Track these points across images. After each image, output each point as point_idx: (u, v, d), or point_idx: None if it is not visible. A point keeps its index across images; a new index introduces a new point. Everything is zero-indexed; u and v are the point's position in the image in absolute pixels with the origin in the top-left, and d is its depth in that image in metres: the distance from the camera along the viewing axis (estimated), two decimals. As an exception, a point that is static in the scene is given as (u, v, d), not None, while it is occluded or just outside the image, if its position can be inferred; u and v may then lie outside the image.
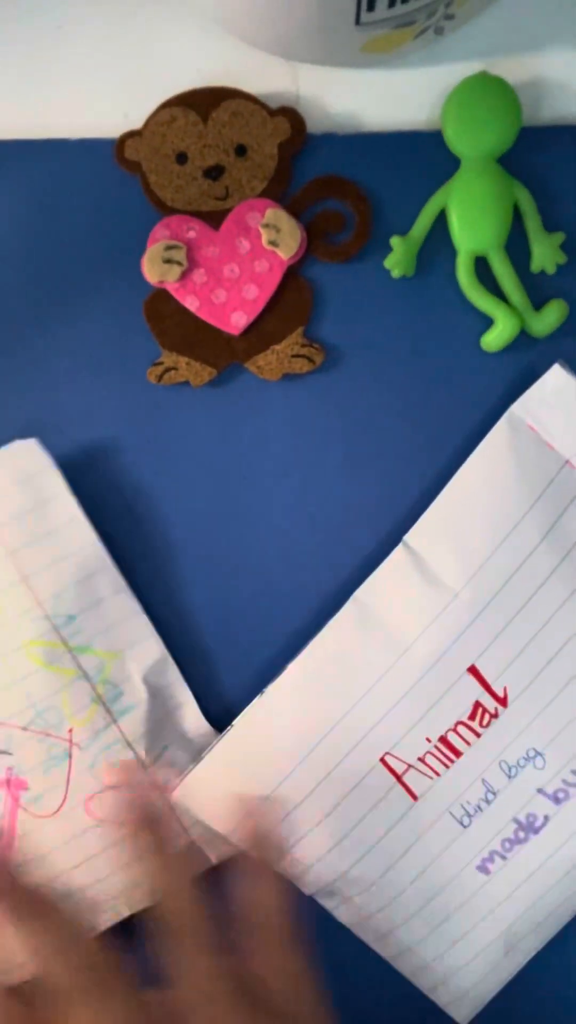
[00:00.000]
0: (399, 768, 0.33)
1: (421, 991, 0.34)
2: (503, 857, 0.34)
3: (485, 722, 0.33)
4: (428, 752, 0.33)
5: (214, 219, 0.34)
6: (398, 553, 0.33)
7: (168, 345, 0.35)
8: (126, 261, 0.34)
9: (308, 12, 0.31)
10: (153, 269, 0.34)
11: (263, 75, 0.34)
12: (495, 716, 0.33)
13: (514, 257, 0.34)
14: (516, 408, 0.33)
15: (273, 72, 0.35)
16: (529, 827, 0.34)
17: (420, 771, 0.33)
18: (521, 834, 0.34)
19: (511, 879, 0.34)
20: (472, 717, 0.33)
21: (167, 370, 0.35)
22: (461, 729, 0.33)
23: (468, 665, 0.33)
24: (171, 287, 0.34)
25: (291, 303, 0.35)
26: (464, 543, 0.33)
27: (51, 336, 0.35)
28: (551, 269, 0.34)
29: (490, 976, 0.34)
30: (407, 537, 0.33)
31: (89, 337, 0.35)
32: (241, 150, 0.34)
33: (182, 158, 0.34)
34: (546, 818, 0.33)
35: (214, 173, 0.34)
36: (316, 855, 0.33)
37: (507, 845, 0.34)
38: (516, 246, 0.34)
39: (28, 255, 0.35)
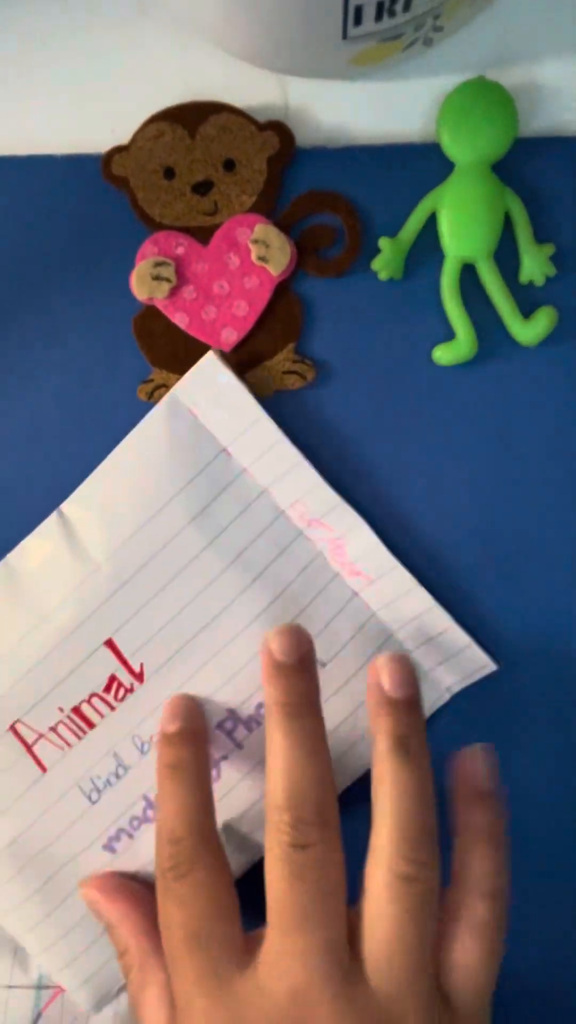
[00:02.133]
0: (29, 737, 0.33)
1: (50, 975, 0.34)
2: (130, 836, 0.34)
3: (120, 696, 0.33)
4: (60, 722, 0.33)
5: (203, 235, 0.34)
6: (51, 519, 0.34)
7: (158, 362, 0.34)
8: (114, 278, 0.34)
9: (295, 26, 0.30)
10: (142, 286, 0.34)
11: (251, 88, 0.34)
12: (130, 691, 0.33)
13: (502, 268, 0.34)
14: (177, 390, 0.33)
15: (261, 85, 0.34)
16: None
17: (51, 741, 0.33)
18: (150, 812, 0.34)
19: (138, 859, 0.34)
20: (107, 690, 0.33)
21: (158, 387, 0.34)
22: (96, 701, 0.33)
23: (105, 638, 0.33)
24: (160, 304, 0.34)
25: (282, 319, 0.34)
26: (112, 518, 0.33)
27: (40, 354, 0.35)
28: (540, 281, 0.34)
29: (115, 964, 0.33)
30: (63, 505, 0.34)
31: (78, 355, 0.35)
32: (229, 165, 0.34)
33: (170, 173, 0.34)
34: None
35: (202, 188, 0.34)
36: None
37: (135, 823, 0.34)
38: (505, 257, 0.34)
39: (14, 273, 0.34)
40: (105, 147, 0.34)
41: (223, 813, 0.33)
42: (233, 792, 0.34)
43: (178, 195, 0.34)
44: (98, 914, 0.33)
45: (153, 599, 0.33)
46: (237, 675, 0.34)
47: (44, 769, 0.33)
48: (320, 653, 0.33)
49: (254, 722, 0.34)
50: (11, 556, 0.34)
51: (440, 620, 0.34)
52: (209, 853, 0.29)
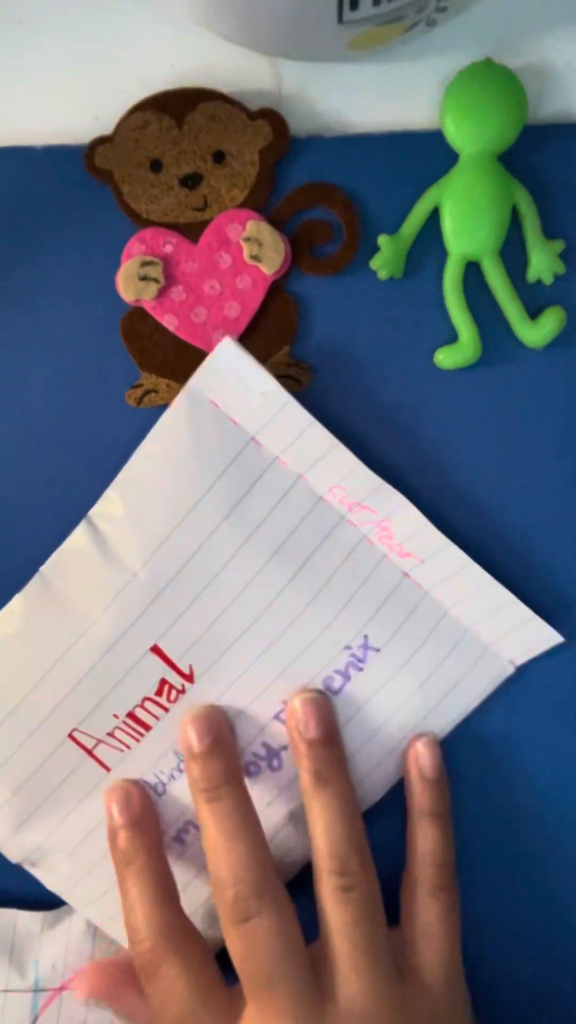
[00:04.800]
0: (88, 743, 0.33)
1: None
2: (197, 828, 0.34)
3: (172, 697, 0.33)
4: (117, 727, 0.33)
5: (192, 232, 0.32)
6: (80, 529, 0.33)
7: (147, 366, 0.33)
8: (100, 278, 0.33)
9: (286, 8, 0.28)
10: (128, 287, 0.32)
11: (242, 73, 0.32)
12: (182, 692, 0.33)
13: (508, 265, 0.32)
14: (195, 381, 0.32)
15: (253, 69, 0.32)
16: None
17: (111, 745, 0.33)
18: None
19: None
20: (159, 693, 0.33)
21: (147, 392, 0.33)
22: (148, 705, 0.33)
23: (151, 645, 0.33)
24: (148, 306, 0.32)
25: (276, 321, 0.33)
26: (143, 523, 0.32)
27: (24, 359, 0.33)
28: (548, 279, 0.32)
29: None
30: (91, 512, 0.33)
31: (64, 359, 0.33)
32: (219, 157, 0.32)
33: (156, 166, 0.32)
34: None
35: (191, 182, 0.32)
36: (11, 824, 0.34)
37: None
38: (511, 254, 0.32)
39: (-5, 276, 0.33)
40: (87, 137, 0.32)
41: (289, 803, 0.34)
42: (296, 781, 0.33)
43: (165, 189, 0.32)
44: (108, 1005, 0.34)
45: (195, 602, 0.32)
46: (290, 667, 0.33)
47: (108, 769, 0.33)
48: (374, 639, 0.33)
49: None
50: (45, 568, 0.33)
51: (498, 595, 0.33)
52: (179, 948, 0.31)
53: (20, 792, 0.33)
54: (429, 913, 0.32)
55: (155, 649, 0.33)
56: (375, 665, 0.33)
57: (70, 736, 0.33)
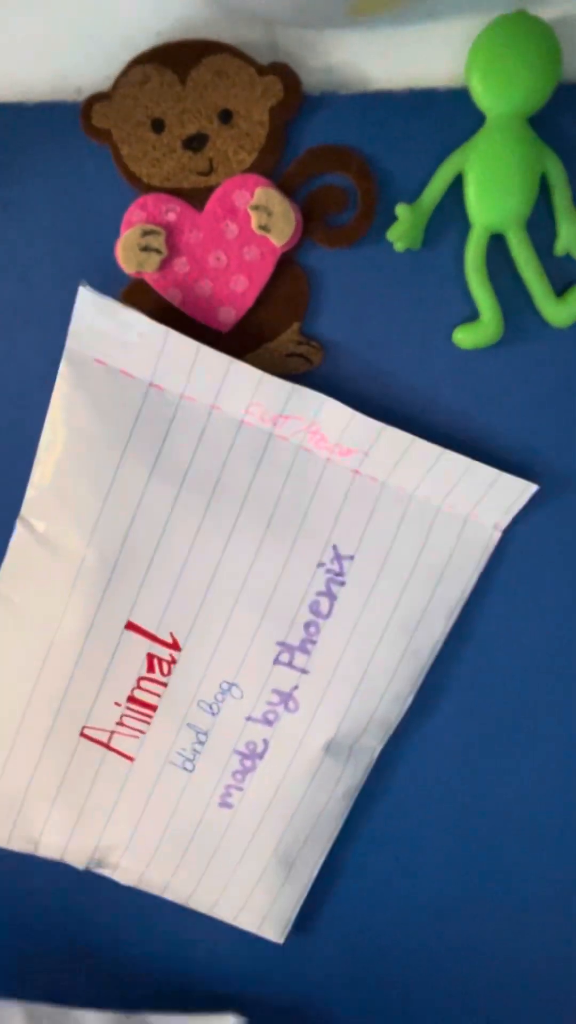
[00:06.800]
0: (103, 737, 0.33)
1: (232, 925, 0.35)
2: (239, 788, 0.34)
3: (166, 670, 0.33)
4: (123, 715, 0.33)
5: (197, 198, 0.30)
6: (18, 532, 0.32)
7: (149, 343, 0.31)
8: (99, 247, 0.31)
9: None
10: (129, 258, 0.30)
11: (242, 27, 0.29)
12: (173, 662, 0.33)
13: (535, 238, 0.30)
14: (71, 344, 0.30)
15: (248, 37, 0.29)
16: (252, 754, 0.34)
17: (124, 734, 0.33)
18: (247, 763, 0.34)
19: (256, 805, 0.34)
20: (151, 669, 0.33)
21: (149, 370, 0.31)
22: (145, 684, 0.33)
23: (124, 622, 0.32)
24: (150, 278, 0.30)
25: (286, 295, 0.31)
26: (73, 504, 0.31)
27: (19, 336, 0.31)
28: (578, 253, 0.30)
29: (283, 895, 0.35)
30: (23, 511, 0.32)
31: (61, 336, 0.31)
32: (226, 116, 0.29)
33: (158, 125, 0.30)
34: (265, 742, 0.33)
35: (195, 143, 0.30)
36: (63, 835, 0.34)
37: (239, 777, 0.34)
38: (538, 226, 0.30)
39: (-14, 246, 0.31)
40: (84, 93, 0.29)
41: (321, 736, 0.33)
42: (319, 715, 0.33)
43: (168, 151, 0.30)
44: None
45: (151, 567, 0.32)
46: (270, 605, 0.32)
47: (131, 759, 0.33)
48: (344, 548, 0.32)
49: (309, 643, 0.32)
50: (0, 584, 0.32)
51: (455, 462, 0.31)
52: None
53: (57, 801, 0.33)
54: None
55: (130, 625, 0.32)
56: (355, 573, 0.32)
57: (82, 735, 0.33)
